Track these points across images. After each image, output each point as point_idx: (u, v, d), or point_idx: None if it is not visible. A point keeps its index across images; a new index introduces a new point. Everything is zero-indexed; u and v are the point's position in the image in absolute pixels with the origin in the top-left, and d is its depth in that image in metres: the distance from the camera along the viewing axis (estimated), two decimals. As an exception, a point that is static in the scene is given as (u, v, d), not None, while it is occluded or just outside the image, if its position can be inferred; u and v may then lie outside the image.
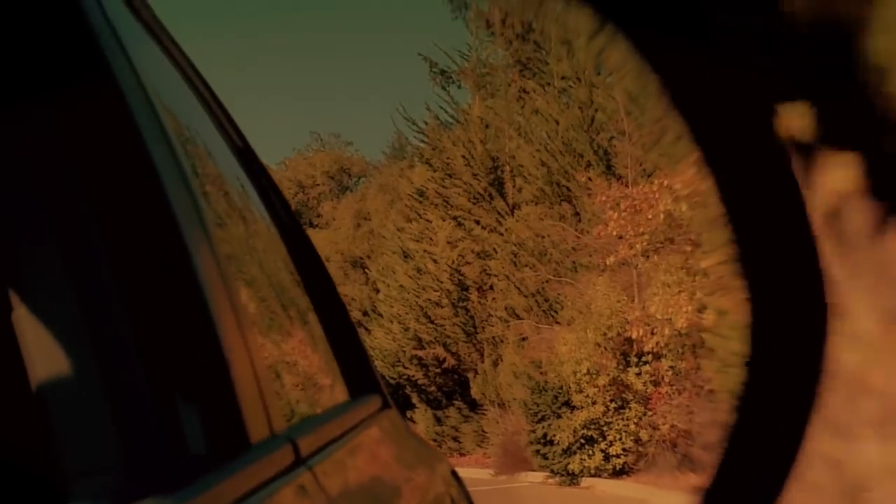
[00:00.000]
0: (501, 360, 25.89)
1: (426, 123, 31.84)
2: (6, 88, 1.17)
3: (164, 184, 1.20)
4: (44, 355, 1.17)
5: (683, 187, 14.96)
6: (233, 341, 1.24)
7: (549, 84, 26.86)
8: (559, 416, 17.80)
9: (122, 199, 1.19)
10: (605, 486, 17.00)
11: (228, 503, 1.05)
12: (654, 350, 16.31)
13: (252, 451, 1.18)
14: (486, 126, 28.46)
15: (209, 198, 1.50)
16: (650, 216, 15.87)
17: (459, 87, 34.51)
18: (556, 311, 23.96)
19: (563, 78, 25.95)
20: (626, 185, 17.73)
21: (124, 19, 1.35)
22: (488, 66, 31.88)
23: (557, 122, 25.46)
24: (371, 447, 2.00)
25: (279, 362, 1.71)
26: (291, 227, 2.25)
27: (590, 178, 23.11)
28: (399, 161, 52.82)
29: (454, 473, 2.53)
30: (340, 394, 2.16)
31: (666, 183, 15.53)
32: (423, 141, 31.49)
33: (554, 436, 17.89)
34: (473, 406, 27.76)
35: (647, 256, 16.48)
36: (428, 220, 28.98)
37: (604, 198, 16.57)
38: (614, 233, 16.33)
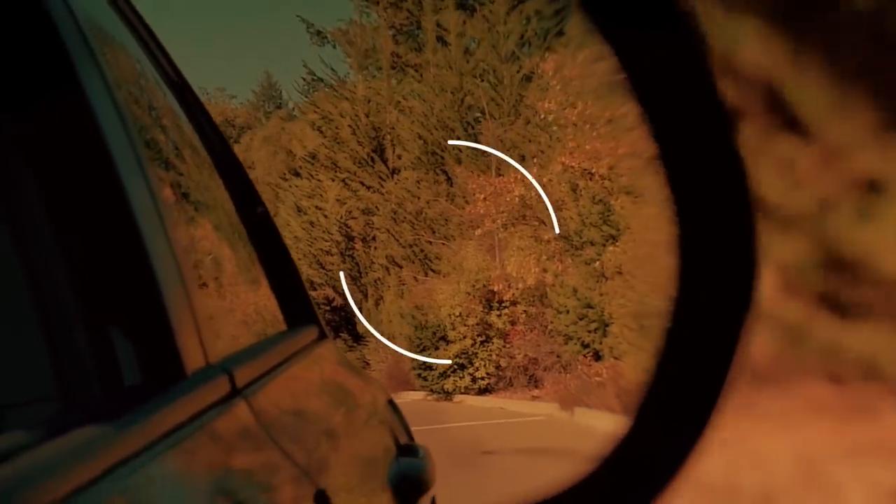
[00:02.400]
0: (383, 301, 31.73)
1: (304, 79, 37.14)
2: None
3: (98, 115, 1.19)
4: None
5: (534, 177, 21.03)
6: (167, 271, 1.23)
7: (423, 70, 32.63)
8: (437, 348, 23.75)
9: (55, 123, 1.17)
10: (473, 400, 22.96)
11: (163, 432, 1.03)
12: (511, 299, 22.39)
13: (187, 382, 1.18)
14: (369, 101, 34.06)
15: (144, 128, 1.48)
16: (508, 199, 21.93)
17: (334, 47, 40.00)
18: (430, 262, 29.92)
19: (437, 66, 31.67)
20: (489, 173, 23.81)
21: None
22: (363, 28, 37.52)
23: (432, 106, 31.24)
24: (307, 377, 2.02)
25: (215, 292, 1.72)
26: (227, 160, 2.22)
27: (459, 150, 29.11)
28: (277, 111, 58.00)
29: (391, 402, 2.55)
30: (277, 324, 2.16)
31: (518, 176, 21.57)
32: (305, 97, 37.01)
33: (432, 363, 23.86)
34: (357, 339, 33.57)
35: (506, 228, 22.58)
36: (319, 180, 34.56)
37: (474, 185, 22.62)
38: (481, 211, 22.36)
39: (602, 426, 13.99)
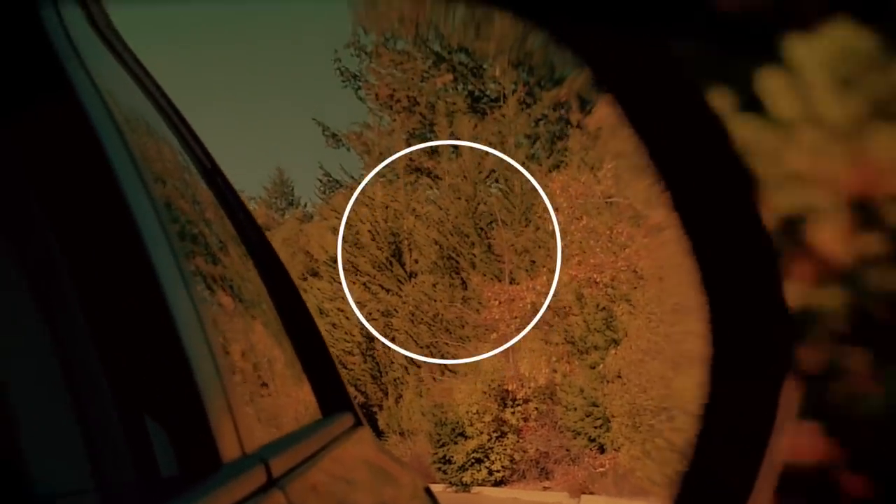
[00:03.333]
0: (402, 399, 33.86)
1: (320, 181, 39.74)
2: None
3: (131, 206, 1.22)
4: (13, 379, 1.16)
5: (542, 286, 23.41)
6: (202, 360, 1.25)
7: (438, 178, 35.21)
8: (455, 443, 25.89)
9: (89, 221, 1.20)
10: (489, 491, 25.05)
11: None
12: (524, 397, 24.62)
13: (223, 472, 1.19)
14: (387, 207, 36.54)
15: (178, 218, 1.52)
16: (521, 305, 24.27)
17: (348, 150, 42.65)
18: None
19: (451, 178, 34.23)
20: (502, 281, 26.20)
21: (86, 37, 1.39)
22: (377, 131, 40.18)
23: (447, 213, 33.70)
24: (343, 465, 2.04)
25: (251, 381, 1.74)
26: (261, 248, 2.25)
27: (474, 255, 31.51)
28: (292, 210, 60.61)
29: (427, 490, 2.59)
30: (312, 412, 2.19)
31: (531, 284, 23.94)
32: (321, 198, 39.51)
33: (451, 457, 25.95)
34: (378, 435, 35.64)
35: (518, 331, 24.88)
36: (340, 284, 36.91)
37: (490, 293, 25.00)
38: (496, 316, 24.69)
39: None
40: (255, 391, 1.76)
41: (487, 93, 37.83)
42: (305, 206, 60.06)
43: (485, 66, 37.57)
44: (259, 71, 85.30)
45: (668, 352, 15.96)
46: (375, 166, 38.45)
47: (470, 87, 38.25)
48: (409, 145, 38.33)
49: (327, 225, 40.56)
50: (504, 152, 33.11)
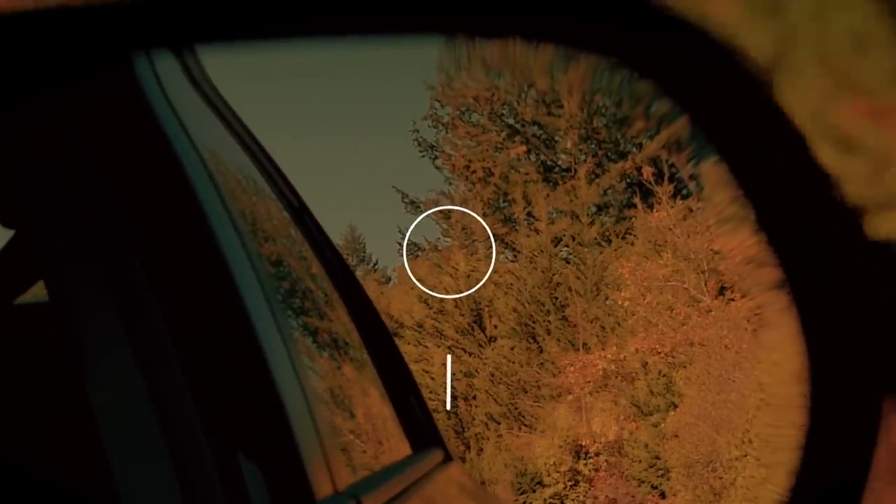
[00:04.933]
0: (482, 452, 37.91)
1: (399, 244, 44.34)
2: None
3: (222, 245, 1.28)
4: (111, 424, 1.21)
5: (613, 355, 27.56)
6: (294, 398, 1.30)
7: (518, 252, 39.51)
8: (534, 491, 29.93)
9: (180, 258, 1.26)
10: None
11: None
12: (596, 450, 28.72)
13: None
14: (468, 276, 40.82)
15: (269, 258, 1.59)
16: (593, 371, 28.42)
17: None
18: (524, 419, 36.20)
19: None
20: (578, 351, 30.43)
21: (182, 90, 1.46)
22: (453, 199, 44.41)
23: (525, 283, 37.95)
24: (435, 500, 2.09)
25: (342, 420, 1.79)
26: (348, 283, 2.29)
27: (549, 321, 35.69)
28: (371, 273, 65.06)
29: None
30: (402, 448, 2.26)
31: (602, 353, 28.11)
32: (401, 259, 43.97)
33: (531, 503, 30.00)
34: (460, 485, 39.64)
35: (591, 394, 29.02)
36: (426, 346, 41.18)
37: (566, 361, 29.24)
38: (571, 380, 28.86)
39: (664, 545, 20.26)
40: (346, 429, 1.80)
41: (559, 163, 41.87)
42: (376, 265, 63.92)
43: (556, 139, 41.54)
44: (339, 136, 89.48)
45: (713, 416, 20.17)
46: (461, 241, 42.79)
47: (542, 157, 42.28)
48: (485, 214, 42.56)
49: (406, 288, 44.92)
50: (574, 221, 37.40)
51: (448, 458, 2.43)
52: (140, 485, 1.18)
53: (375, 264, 62.70)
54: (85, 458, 1.19)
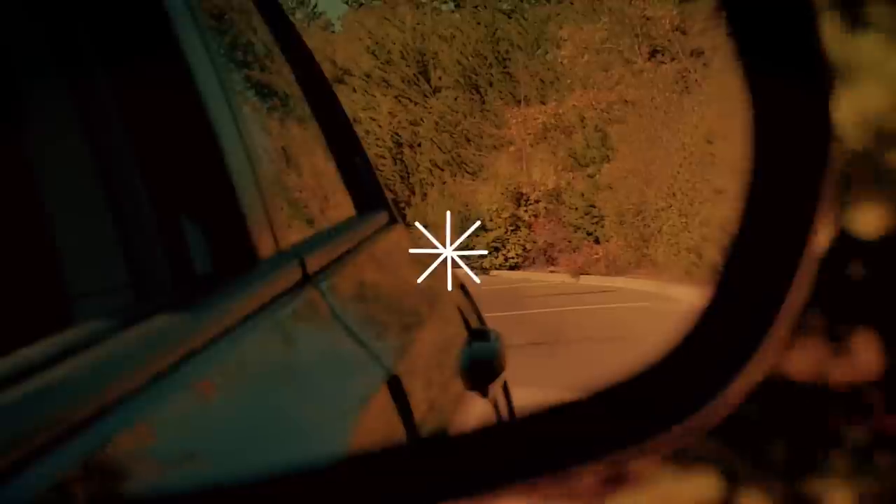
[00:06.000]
0: (427, 197, 40.45)
1: None
2: None
3: (168, 8, 1.22)
4: (47, 178, 1.17)
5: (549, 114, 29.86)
6: (237, 159, 1.26)
7: (458, 5, 41.18)
8: (477, 235, 32.60)
9: (123, 19, 1.20)
10: (506, 274, 31.70)
11: (236, 321, 1.07)
12: (535, 198, 31.33)
13: (259, 269, 1.22)
14: (414, 28, 42.52)
15: (211, 10, 1.54)
16: (533, 124, 30.78)
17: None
18: (466, 166, 38.65)
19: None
20: (520, 103, 32.71)
21: None
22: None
23: (469, 37, 39.78)
24: (378, 263, 2.05)
25: (284, 178, 1.75)
26: (296, 48, 2.23)
27: (491, 75, 37.77)
28: (314, 21, 66.14)
29: (462, 286, 2.56)
30: (347, 209, 2.19)
31: (542, 108, 30.40)
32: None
33: (474, 246, 32.75)
34: (406, 226, 42.25)
35: (531, 146, 31.44)
36: (373, 95, 43.15)
37: (509, 115, 31.53)
38: (514, 132, 31.21)
39: (598, 284, 23.09)
40: (289, 189, 1.77)
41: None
42: (315, 7, 64.72)
43: None
44: None
45: (643, 171, 22.76)
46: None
47: None
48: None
49: (353, 37, 46.55)
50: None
51: (393, 221, 2.41)
52: (80, 245, 1.17)
53: (315, 7, 63.54)
54: (22, 217, 1.16)
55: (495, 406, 2.10)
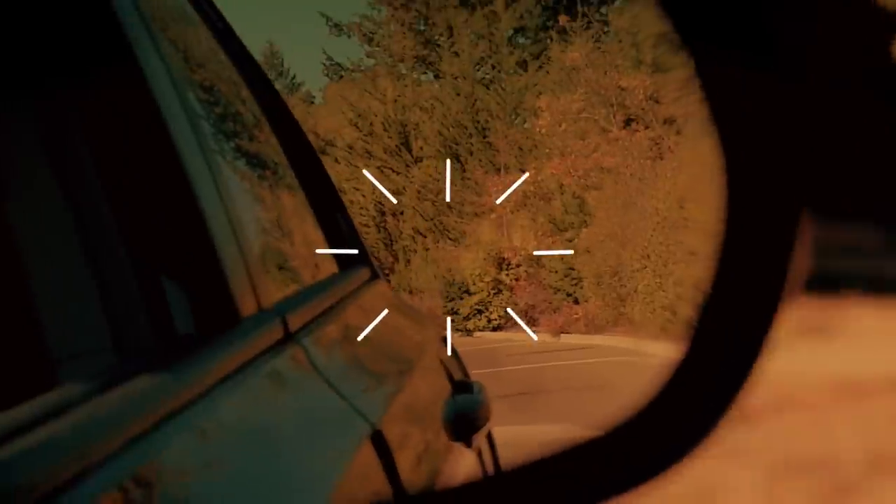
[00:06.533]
0: (410, 263, 41.65)
1: (324, 65, 47.11)
2: None
3: (147, 71, 1.22)
4: (25, 239, 1.18)
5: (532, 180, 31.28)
6: (218, 218, 1.26)
7: (438, 76, 42.67)
8: (461, 298, 33.79)
9: (104, 81, 1.20)
10: (489, 336, 32.62)
11: (218, 380, 1.06)
12: (517, 262, 32.56)
13: (240, 328, 1.21)
14: (395, 100, 43.96)
15: (193, 78, 1.53)
16: (512, 191, 32.13)
17: (349, 37, 49.71)
18: (449, 233, 39.93)
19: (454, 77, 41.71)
20: (500, 171, 34.11)
21: None
22: (375, 22, 47.31)
23: (449, 108, 41.24)
24: (361, 319, 2.05)
25: (266, 237, 1.76)
26: (273, 103, 2.24)
27: (472, 144, 39.24)
28: (294, 93, 67.52)
29: (444, 339, 2.60)
30: (329, 267, 2.22)
31: (526, 176, 31.80)
32: (330, 79, 46.73)
33: (458, 309, 33.91)
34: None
35: (512, 212, 32.77)
36: (356, 166, 44.50)
37: (490, 183, 32.92)
38: (495, 200, 32.56)
39: (577, 342, 24.31)
40: (270, 247, 1.78)
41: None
42: (294, 79, 66.04)
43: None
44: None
45: (619, 234, 24.11)
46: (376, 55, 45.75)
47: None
48: (406, 37, 45.49)
49: (335, 109, 47.96)
50: (493, 44, 40.65)
51: (375, 276, 2.44)
52: (61, 306, 1.18)
53: (294, 79, 64.98)
54: (2, 279, 1.17)
55: (479, 457, 2.13)
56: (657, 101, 27.12)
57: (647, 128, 27.26)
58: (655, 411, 0.87)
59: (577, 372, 18.29)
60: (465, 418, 1.99)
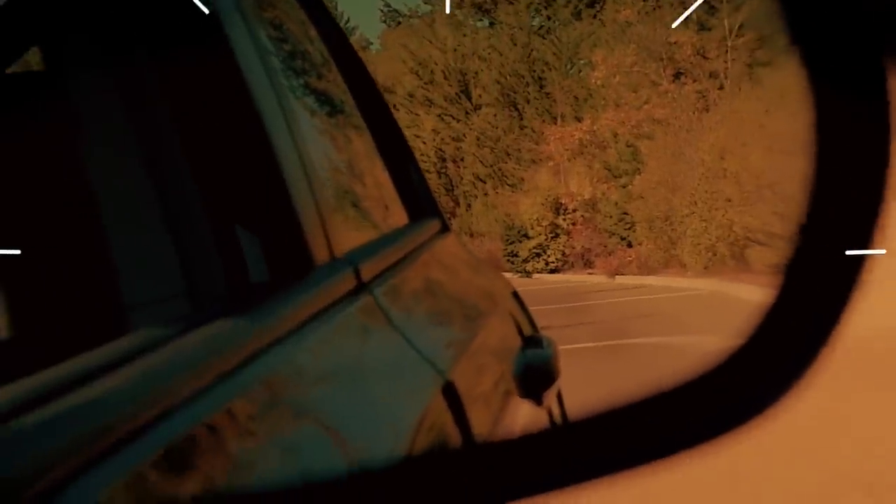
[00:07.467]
0: (471, 208, 43.66)
1: (382, 11, 48.67)
2: None
3: (221, 15, 1.23)
4: (104, 190, 1.20)
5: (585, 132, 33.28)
6: (292, 168, 1.27)
7: (493, 24, 44.60)
8: (520, 242, 35.83)
9: (176, 26, 1.22)
10: (546, 277, 34.55)
11: (291, 328, 1.06)
12: (573, 207, 34.58)
13: (313, 276, 1.23)
14: (455, 49, 45.84)
15: (263, 16, 1.53)
16: (570, 141, 34.21)
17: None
18: (506, 178, 41.89)
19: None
20: (556, 120, 36.18)
21: None
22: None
23: (506, 58, 43.15)
24: (431, 270, 2.05)
25: (339, 187, 1.76)
26: (347, 55, 2.22)
27: (528, 93, 41.22)
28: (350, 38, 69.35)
29: (515, 294, 2.57)
30: (400, 218, 2.21)
31: (578, 125, 33.82)
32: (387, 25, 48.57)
33: (517, 252, 35.99)
34: (451, 237, 45.39)
35: (569, 160, 34.86)
36: (417, 114, 46.51)
37: (548, 133, 35.01)
38: (552, 149, 34.67)
39: (631, 283, 26.42)
40: (344, 198, 1.78)
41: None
42: (347, 22, 67.88)
43: None
44: None
45: (670, 182, 26.21)
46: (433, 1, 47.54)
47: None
48: None
49: (393, 55, 49.83)
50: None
51: (445, 229, 2.42)
52: (138, 258, 1.20)
53: (347, 22, 66.87)
54: (81, 233, 1.20)
55: (549, 414, 2.10)
56: (704, 56, 29.02)
57: (694, 81, 29.17)
58: (733, 364, 0.84)
59: (632, 306, 20.35)
60: (535, 372, 1.98)
